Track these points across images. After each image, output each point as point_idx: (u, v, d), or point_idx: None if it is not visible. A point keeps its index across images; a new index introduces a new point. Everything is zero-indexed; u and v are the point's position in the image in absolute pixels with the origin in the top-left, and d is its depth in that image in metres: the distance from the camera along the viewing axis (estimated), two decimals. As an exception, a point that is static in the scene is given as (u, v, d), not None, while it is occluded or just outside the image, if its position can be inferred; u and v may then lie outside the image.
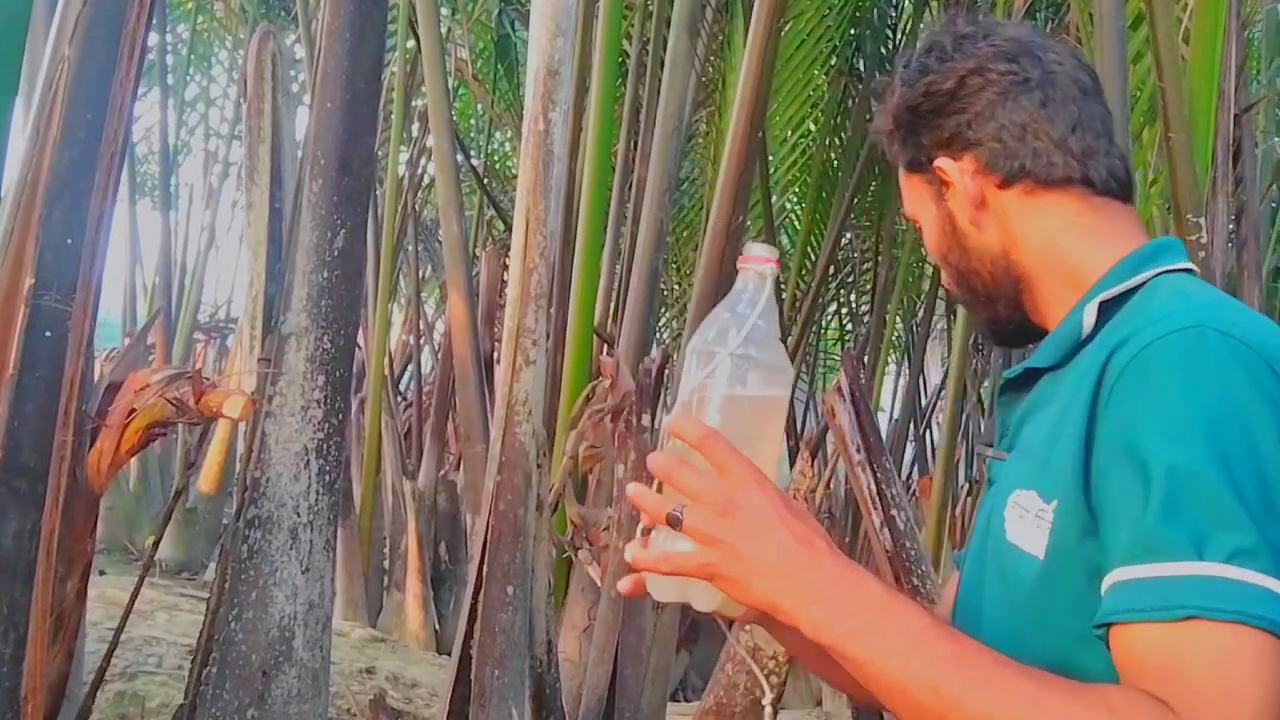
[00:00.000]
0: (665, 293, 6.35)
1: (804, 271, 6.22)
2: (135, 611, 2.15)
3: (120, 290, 8.07)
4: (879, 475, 2.24)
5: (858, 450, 2.25)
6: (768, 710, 0.92)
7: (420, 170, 7.04)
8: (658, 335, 6.32)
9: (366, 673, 3.71)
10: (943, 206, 0.87)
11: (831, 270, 6.63)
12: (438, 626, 4.97)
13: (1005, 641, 0.75)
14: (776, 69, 4.32)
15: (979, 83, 0.83)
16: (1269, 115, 5.18)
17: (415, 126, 6.75)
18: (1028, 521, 0.76)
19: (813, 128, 6.12)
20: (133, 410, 1.70)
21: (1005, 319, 0.88)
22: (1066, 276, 0.83)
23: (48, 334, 1.61)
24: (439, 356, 7.02)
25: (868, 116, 6.09)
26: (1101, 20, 2.37)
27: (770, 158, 5.73)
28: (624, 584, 0.77)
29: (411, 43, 5.31)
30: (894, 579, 2.19)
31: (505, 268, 3.07)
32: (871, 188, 6.38)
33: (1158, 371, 0.69)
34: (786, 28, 5.00)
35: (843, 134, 6.24)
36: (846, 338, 8.14)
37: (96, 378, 1.75)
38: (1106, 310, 0.79)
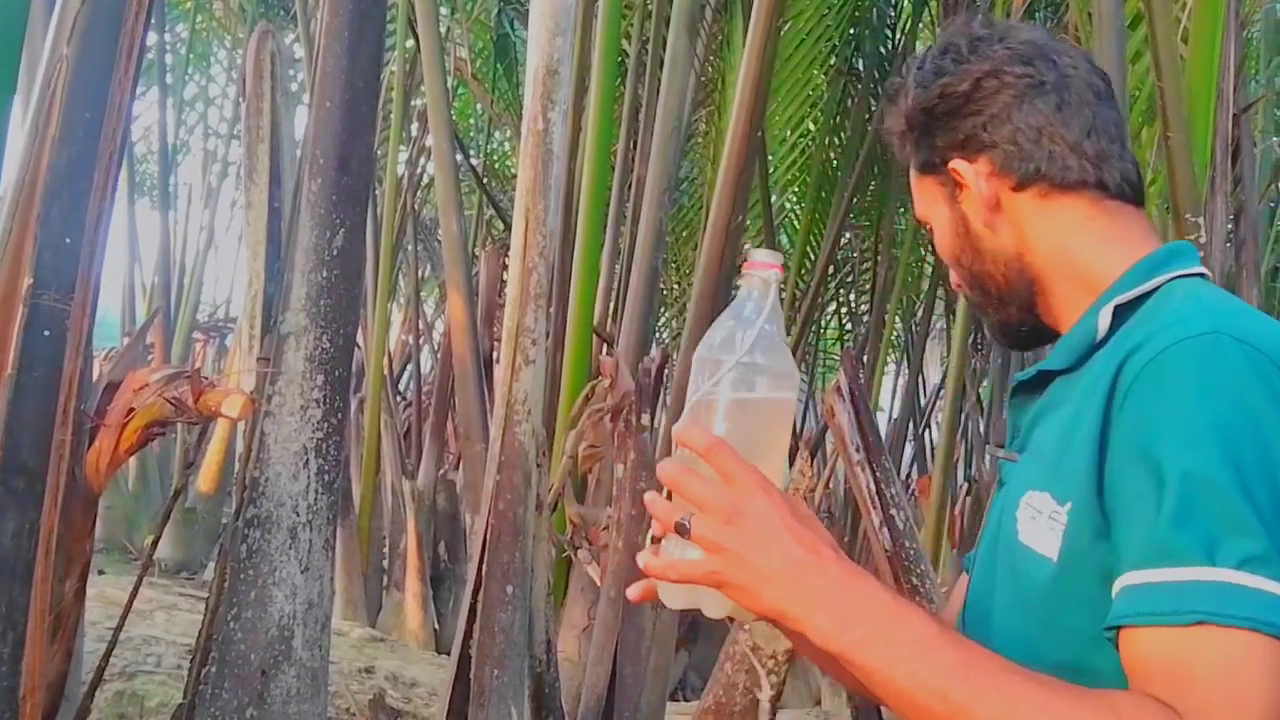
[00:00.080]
0: (665, 292, 6.35)
1: (803, 271, 6.22)
2: (134, 611, 2.15)
3: (119, 289, 8.07)
4: (878, 474, 2.24)
5: (857, 449, 2.25)
6: (765, 707, 0.93)
7: (419, 169, 7.03)
8: (657, 335, 6.32)
9: (366, 672, 3.71)
10: (956, 208, 0.87)
11: (831, 270, 6.64)
12: (437, 626, 4.97)
13: (1017, 642, 0.76)
14: (776, 68, 4.32)
15: (995, 85, 0.84)
16: (1267, 115, 5.18)
17: (414, 126, 6.74)
18: (1040, 523, 0.76)
19: (812, 127, 6.12)
20: (131, 409, 1.70)
21: (1018, 321, 0.89)
22: (1079, 279, 0.84)
23: (46, 333, 1.61)
24: (438, 356, 7.02)
25: (867, 116, 6.10)
26: (1100, 20, 2.37)
27: (770, 157, 5.73)
28: (633, 591, 0.78)
29: (410, 42, 5.31)
30: (893, 578, 2.19)
31: (505, 267, 3.08)
32: (871, 187, 6.38)
33: (1173, 377, 0.70)
34: (786, 27, 5.00)
35: (842, 133, 6.24)
36: (846, 337, 8.14)
37: (95, 377, 1.75)
38: (1120, 314, 0.80)
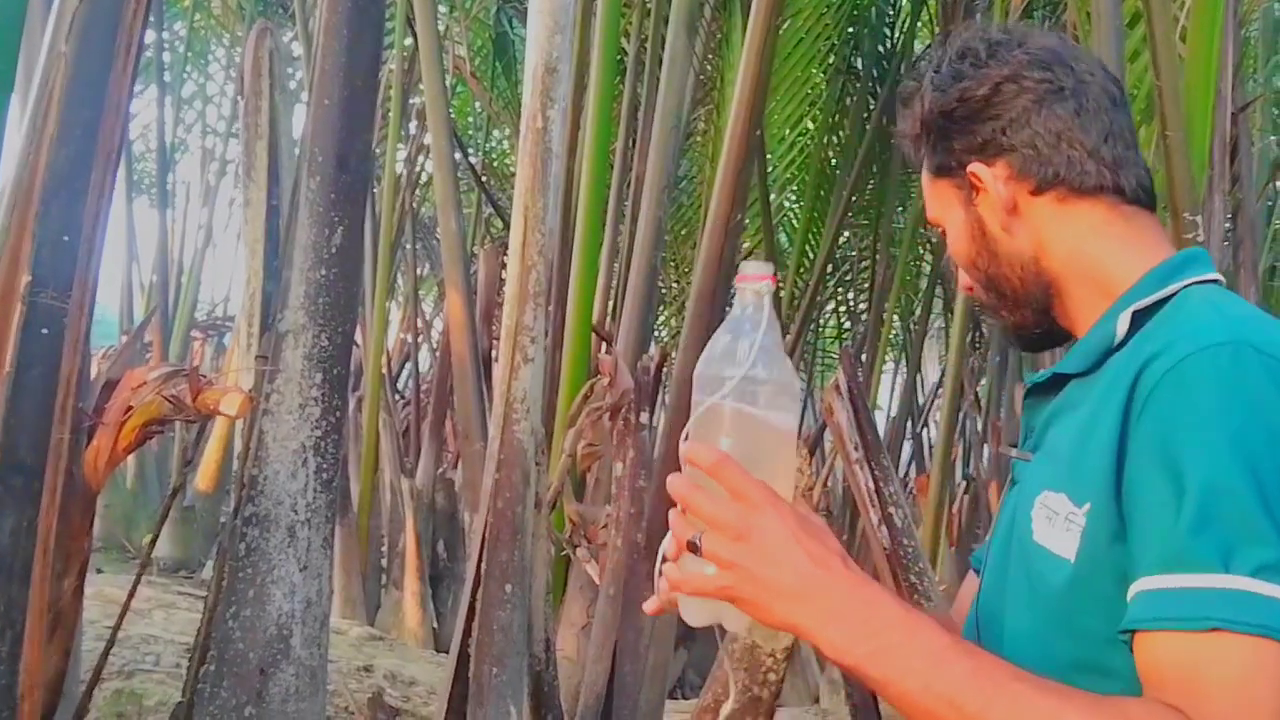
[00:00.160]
0: (664, 291, 6.35)
1: (802, 269, 6.23)
2: (132, 609, 2.15)
3: (117, 288, 8.07)
4: (876, 473, 2.24)
5: (855, 448, 2.25)
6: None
7: (418, 168, 7.03)
8: (656, 333, 6.32)
9: (364, 670, 3.71)
10: (972, 211, 0.88)
11: (829, 268, 6.64)
12: (436, 624, 4.97)
13: (1031, 641, 0.78)
14: (775, 67, 4.32)
15: (1014, 90, 0.84)
16: (1266, 113, 5.19)
17: (413, 124, 6.74)
18: (1057, 524, 0.77)
19: (811, 126, 6.12)
20: (130, 408, 1.70)
21: (1032, 324, 0.90)
22: (1096, 284, 0.84)
23: (44, 331, 1.61)
24: (437, 354, 7.02)
25: (866, 115, 6.10)
26: (1099, 18, 2.37)
27: (768, 156, 5.73)
28: (650, 604, 0.79)
29: (409, 40, 5.30)
30: (891, 576, 2.20)
31: (503, 265, 3.08)
32: (869, 186, 6.39)
33: (1193, 386, 0.71)
34: (785, 26, 5.00)
35: (841, 132, 6.25)
36: (844, 336, 8.15)
37: (93, 375, 1.75)
38: (1138, 319, 0.81)
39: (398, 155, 6.13)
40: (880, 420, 6.55)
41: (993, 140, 0.85)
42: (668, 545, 0.76)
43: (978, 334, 7.45)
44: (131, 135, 8.22)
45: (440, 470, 5.48)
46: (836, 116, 6.17)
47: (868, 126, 6.01)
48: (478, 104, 8.00)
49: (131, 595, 1.94)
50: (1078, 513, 0.75)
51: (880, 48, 6.25)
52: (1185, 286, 0.81)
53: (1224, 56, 2.40)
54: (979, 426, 7.24)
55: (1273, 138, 5.25)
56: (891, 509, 2.22)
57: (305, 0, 5.94)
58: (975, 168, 0.86)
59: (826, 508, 4.87)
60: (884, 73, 6.16)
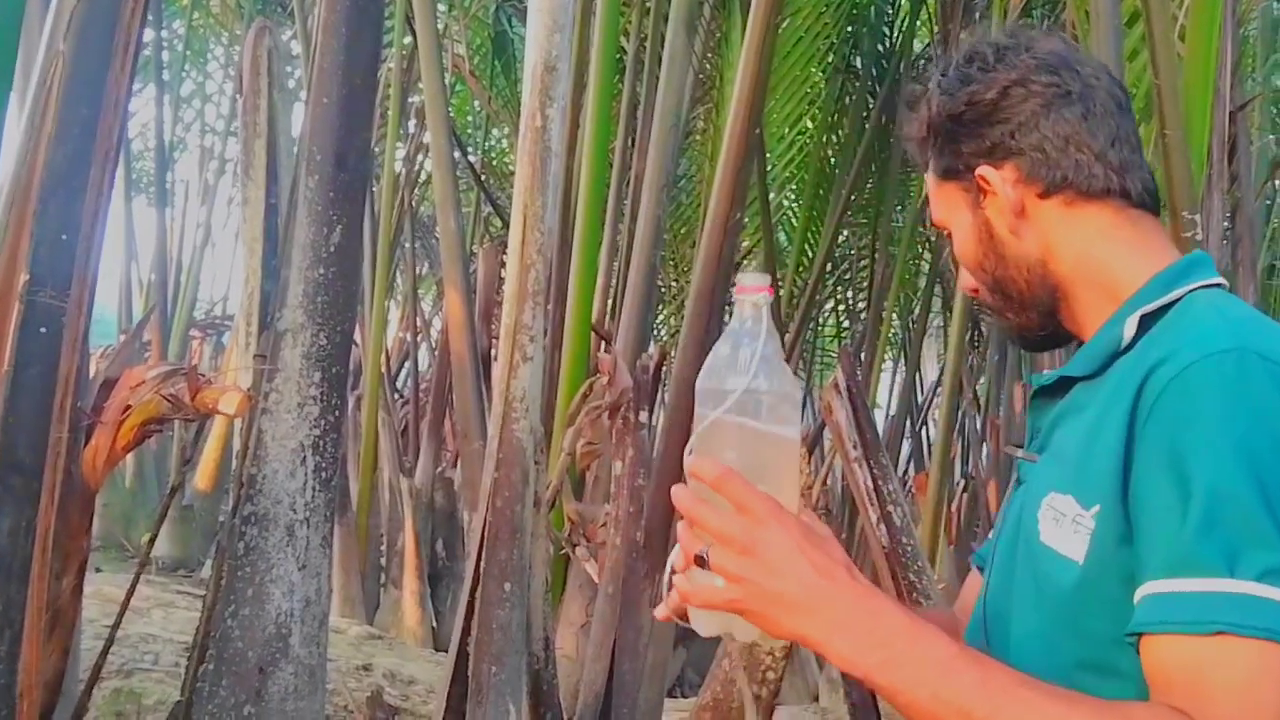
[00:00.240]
0: (663, 289, 6.35)
1: (801, 268, 6.23)
2: (131, 609, 2.15)
3: (116, 287, 8.06)
4: (876, 471, 2.24)
5: (854, 446, 2.26)
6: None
7: (417, 167, 7.03)
8: (655, 332, 6.32)
9: (363, 669, 3.71)
10: (979, 214, 0.89)
11: (828, 267, 6.64)
12: (435, 623, 4.97)
13: (1038, 641, 0.79)
14: (774, 66, 4.32)
15: (1022, 93, 0.85)
16: (1264, 112, 5.19)
17: (412, 122, 6.74)
18: (1064, 526, 0.78)
19: (810, 125, 6.12)
20: (128, 407, 1.70)
21: (1037, 326, 0.90)
22: (1102, 287, 0.85)
23: (42, 330, 1.60)
24: (436, 353, 7.02)
25: (865, 114, 6.10)
26: (1097, 17, 2.37)
27: (768, 154, 5.73)
28: (659, 611, 0.80)
29: (408, 38, 5.30)
30: (890, 574, 2.20)
31: (502, 264, 3.07)
32: (868, 185, 6.39)
33: (1199, 393, 0.72)
34: (784, 25, 5.00)
35: (840, 131, 6.25)
36: (843, 334, 8.15)
37: (92, 374, 1.75)
38: (1144, 323, 0.82)
39: (397, 154, 6.13)
40: (879, 419, 6.56)
41: (1001, 143, 0.86)
42: (676, 557, 0.77)
43: (976, 332, 7.45)
44: (130, 133, 8.21)
45: (439, 469, 5.48)
46: (835, 115, 6.18)
47: (867, 125, 6.01)
48: (477, 102, 7.99)
49: (130, 594, 1.94)
50: (1085, 515, 0.76)
51: (879, 47, 6.25)
52: (1190, 291, 0.82)
53: (1222, 55, 2.40)
54: (978, 425, 7.25)
55: (1271, 136, 5.26)
56: (890, 507, 2.22)
57: (304, -1, 5.93)
58: (984, 171, 0.87)
59: (825, 506, 4.87)
60: (883, 72, 6.16)
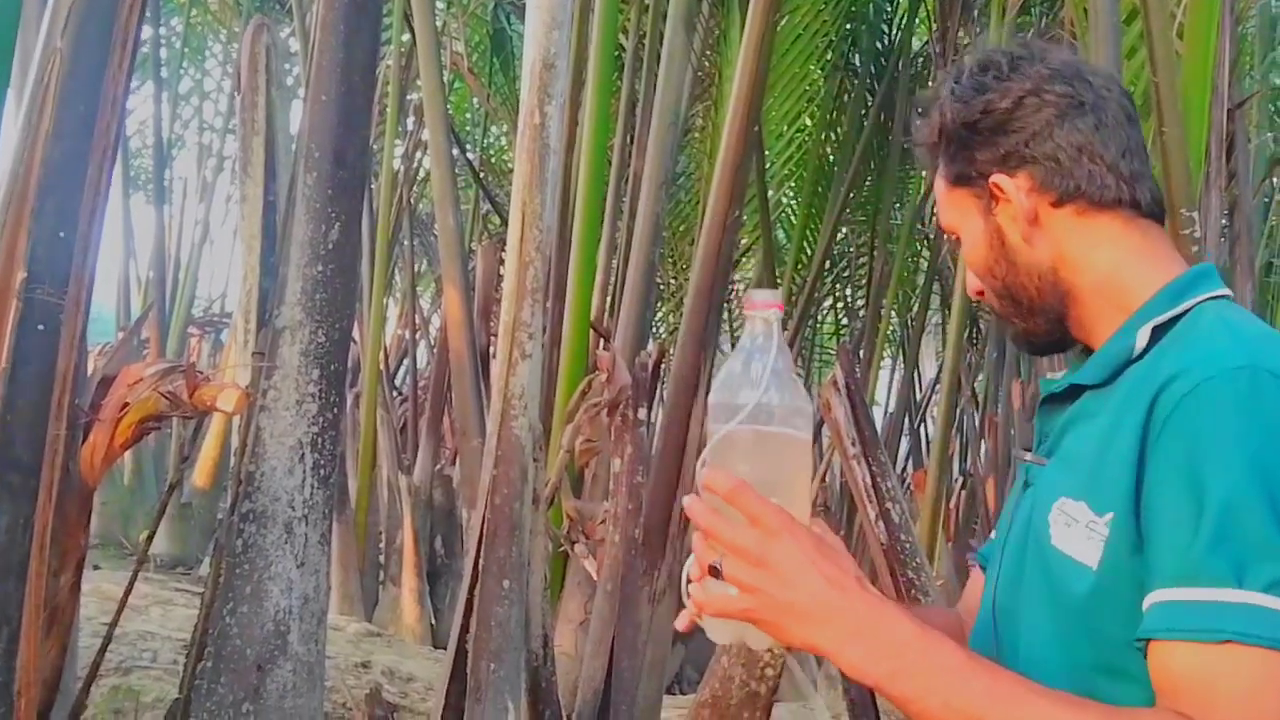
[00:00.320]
0: (662, 287, 6.35)
1: (800, 265, 6.23)
2: (129, 606, 2.14)
3: (114, 284, 8.06)
4: (874, 468, 2.24)
5: (853, 444, 2.26)
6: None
7: (415, 164, 7.02)
8: (654, 329, 6.32)
9: (362, 667, 3.71)
10: (991, 221, 0.90)
11: (827, 264, 6.64)
12: (433, 621, 4.98)
13: (1050, 643, 0.81)
14: (773, 64, 4.31)
15: (1036, 103, 0.87)
16: (1262, 110, 5.19)
17: (410, 120, 6.73)
18: (1077, 531, 0.79)
19: (809, 122, 6.12)
20: (126, 404, 1.70)
21: (1044, 332, 0.92)
22: (1112, 296, 0.87)
23: (40, 328, 1.60)
24: (434, 351, 7.02)
25: (863, 111, 6.10)
26: (1096, 15, 2.37)
27: (766, 152, 5.73)
28: (680, 622, 0.82)
29: (406, 36, 5.30)
30: (889, 571, 2.20)
31: (501, 262, 3.07)
32: (867, 182, 6.39)
33: (1213, 410, 0.74)
34: (783, 22, 5.00)
35: (838, 129, 6.25)
36: (842, 332, 8.15)
37: (90, 372, 1.75)
38: (1155, 333, 0.83)
39: (395, 151, 6.12)
40: (878, 416, 6.56)
41: (1015, 152, 0.87)
42: (691, 567, 0.79)
43: (975, 330, 7.46)
44: (128, 131, 8.21)
45: (438, 466, 5.48)
46: (834, 113, 6.18)
47: (865, 123, 6.01)
48: (475, 100, 7.99)
49: (128, 591, 1.94)
50: (1099, 521, 0.78)
51: (878, 44, 6.25)
52: (1199, 303, 0.84)
53: (1220, 53, 2.40)
54: (976, 422, 7.25)
55: (1269, 134, 5.26)
56: (889, 504, 2.23)
57: (302, -4, 5.92)
58: (998, 179, 0.88)
59: (824, 503, 4.88)
60: (882, 70, 6.16)
